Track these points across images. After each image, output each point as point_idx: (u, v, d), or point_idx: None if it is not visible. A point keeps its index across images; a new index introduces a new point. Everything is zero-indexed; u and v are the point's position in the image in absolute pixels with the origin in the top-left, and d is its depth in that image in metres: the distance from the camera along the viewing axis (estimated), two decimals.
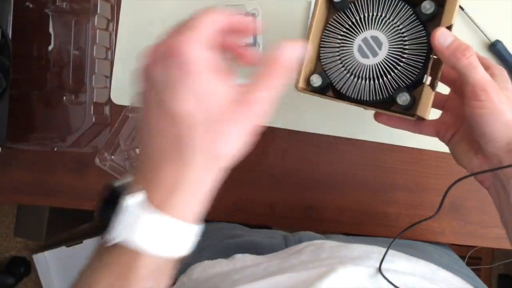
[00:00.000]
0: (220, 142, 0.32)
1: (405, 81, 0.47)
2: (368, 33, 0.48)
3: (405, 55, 0.47)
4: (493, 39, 0.64)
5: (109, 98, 0.69)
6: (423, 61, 0.47)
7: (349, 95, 0.49)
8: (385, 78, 0.47)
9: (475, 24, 0.64)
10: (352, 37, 0.48)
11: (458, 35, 0.45)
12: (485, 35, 0.64)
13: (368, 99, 0.48)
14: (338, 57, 0.49)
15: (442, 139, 0.52)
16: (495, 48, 0.63)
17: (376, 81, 0.47)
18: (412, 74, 0.47)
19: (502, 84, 0.44)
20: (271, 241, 0.63)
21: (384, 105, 0.49)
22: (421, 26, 0.47)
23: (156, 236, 0.32)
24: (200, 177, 0.33)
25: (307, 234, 0.64)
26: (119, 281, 0.32)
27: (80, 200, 0.71)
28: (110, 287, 0.33)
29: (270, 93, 0.34)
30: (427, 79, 0.46)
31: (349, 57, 0.48)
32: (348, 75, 0.48)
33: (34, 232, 1.56)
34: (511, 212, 0.45)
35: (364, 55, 0.48)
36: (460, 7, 0.64)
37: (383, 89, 0.47)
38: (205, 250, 0.63)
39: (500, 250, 1.61)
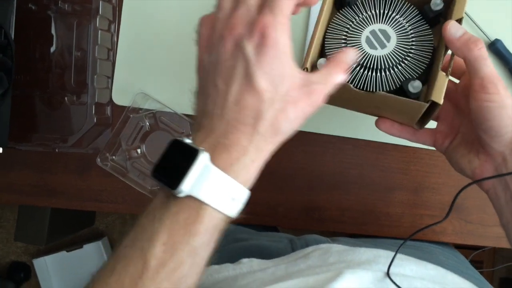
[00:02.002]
0: (283, 119, 0.38)
1: (412, 74, 0.47)
2: (376, 26, 0.48)
3: (412, 50, 0.47)
4: (492, 38, 0.64)
5: (111, 99, 0.69)
6: (429, 58, 0.47)
7: (355, 86, 0.48)
8: (391, 71, 0.47)
9: (475, 23, 0.64)
10: (360, 29, 0.49)
11: None
12: (485, 34, 0.64)
13: (374, 90, 0.48)
14: (345, 47, 0.49)
15: (439, 148, 0.52)
16: (495, 47, 0.64)
17: (383, 73, 0.47)
18: (419, 68, 0.47)
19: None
20: (277, 245, 0.63)
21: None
22: (427, 25, 0.48)
23: (219, 194, 0.36)
24: (263, 147, 0.38)
25: (313, 237, 0.64)
26: (183, 230, 0.35)
27: (82, 201, 0.71)
28: (175, 235, 0.35)
29: (327, 87, 0.40)
30: (439, 67, 0.46)
31: (357, 47, 0.48)
32: (355, 65, 0.48)
33: (35, 237, 1.56)
34: None
35: (372, 46, 0.48)
36: None
37: (390, 81, 0.47)
38: None
39: (501, 254, 1.60)
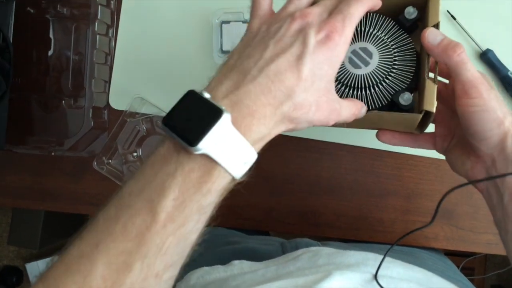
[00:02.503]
0: (304, 111, 0.39)
1: (401, 85, 0.47)
2: (356, 45, 0.48)
3: (396, 62, 0.48)
4: (484, 48, 0.65)
5: (108, 103, 0.69)
6: (414, 66, 0.47)
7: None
8: (380, 86, 0.47)
9: (466, 33, 0.65)
10: None
11: None
12: (476, 44, 0.65)
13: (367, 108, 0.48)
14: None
15: (439, 150, 0.52)
16: (486, 56, 0.65)
17: (372, 90, 0.47)
18: (407, 78, 0.47)
19: (488, 83, 0.45)
20: (268, 247, 0.64)
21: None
22: (405, 34, 0.48)
23: (234, 157, 0.36)
24: (278, 126, 0.39)
25: (304, 241, 0.64)
26: (195, 189, 0.35)
27: (77, 205, 0.72)
28: (186, 193, 0.35)
29: (344, 116, 0.43)
30: (427, 75, 0.46)
31: (341, 69, 0.48)
32: (343, 88, 0.48)
33: (28, 241, 1.56)
34: (503, 211, 0.46)
35: (356, 66, 0.48)
36: (452, 16, 0.66)
37: (380, 96, 0.47)
38: (202, 256, 0.62)
39: (493, 261, 1.61)
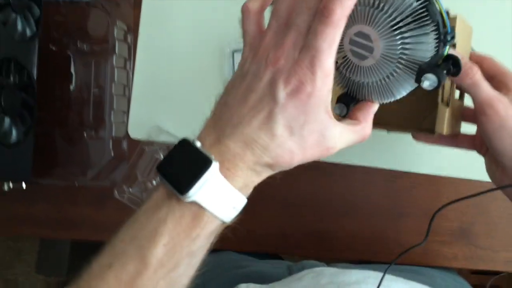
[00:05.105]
0: (286, 161, 0.38)
1: (420, 61, 0.38)
2: (351, 31, 0.39)
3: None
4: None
5: (127, 133, 0.72)
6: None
7: (377, 101, 0.42)
8: (398, 70, 0.39)
9: None
10: (340, 48, 0.39)
11: None
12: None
13: (395, 98, 0.41)
14: (343, 76, 0.42)
15: (479, 152, 0.52)
16: None
17: (391, 76, 0.40)
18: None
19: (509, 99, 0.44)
20: (275, 270, 0.64)
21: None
22: None
23: (223, 203, 0.37)
24: (262, 174, 0.39)
25: (310, 262, 0.65)
26: (184, 234, 0.36)
27: (101, 233, 0.73)
28: (176, 239, 0.36)
29: (351, 142, 0.42)
30: (443, 96, 0.45)
31: (353, 68, 0.41)
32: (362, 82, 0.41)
33: (56, 269, 1.58)
34: None
35: (362, 57, 0.39)
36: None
37: (405, 77, 0.39)
38: (213, 280, 0.64)
39: None
